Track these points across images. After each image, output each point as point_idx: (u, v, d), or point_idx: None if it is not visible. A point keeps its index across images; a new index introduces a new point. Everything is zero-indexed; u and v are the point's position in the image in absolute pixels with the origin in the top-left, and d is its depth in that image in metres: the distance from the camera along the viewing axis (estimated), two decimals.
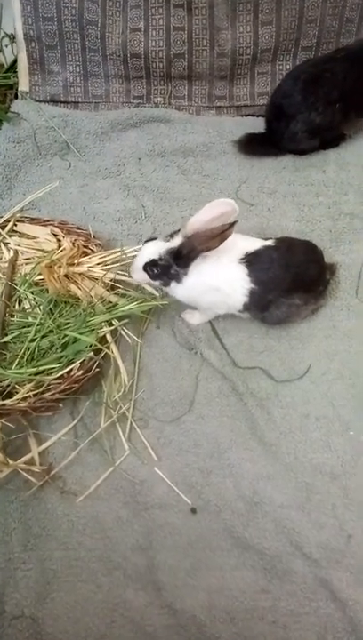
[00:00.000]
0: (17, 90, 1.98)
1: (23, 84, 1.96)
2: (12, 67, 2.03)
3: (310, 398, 1.45)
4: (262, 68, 1.93)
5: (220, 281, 1.36)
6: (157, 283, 1.39)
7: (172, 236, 1.34)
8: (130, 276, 1.43)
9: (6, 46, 2.12)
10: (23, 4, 1.86)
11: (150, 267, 1.34)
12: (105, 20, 1.84)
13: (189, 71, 1.91)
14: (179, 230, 1.32)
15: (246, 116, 1.94)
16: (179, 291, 1.39)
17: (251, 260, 1.36)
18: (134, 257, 1.41)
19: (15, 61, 2.01)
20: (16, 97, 1.98)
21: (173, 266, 1.33)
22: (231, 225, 1.23)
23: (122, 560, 1.28)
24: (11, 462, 1.31)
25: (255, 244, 1.39)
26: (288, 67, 1.93)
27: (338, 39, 1.90)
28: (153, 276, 1.36)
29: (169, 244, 1.32)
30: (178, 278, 1.36)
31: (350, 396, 1.45)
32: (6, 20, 2.12)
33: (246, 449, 1.39)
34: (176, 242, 1.31)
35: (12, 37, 2.07)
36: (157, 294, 1.46)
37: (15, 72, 1.99)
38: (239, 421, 1.42)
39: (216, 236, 1.25)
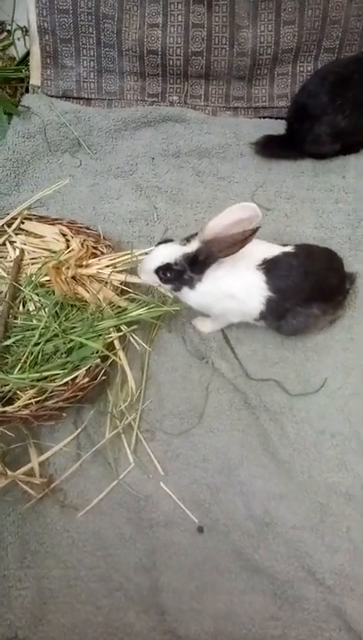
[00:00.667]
0: (28, 83, 1.92)
1: (35, 78, 1.91)
2: (24, 60, 1.98)
3: (325, 413, 1.38)
4: (283, 68, 1.87)
5: (236, 288, 1.30)
6: (167, 287, 1.33)
7: (188, 239, 1.28)
8: (138, 277, 1.36)
9: (19, 39, 2.07)
10: None
11: (163, 271, 1.28)
12: (122, 14, 1.79)
13: (206, 70, 1.85)
14: (196, 234, 1.26)
15: (264, 118, 1.88)
16: (191, 297, 1.33)
17: (269, 267, 1.29)
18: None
19: (27, 54, 1.95)
20: (27, 91, 1.92)
21: (187, 271, 1.27)
22: (254, 231, 1.17)
23: (124, 580, 1.21)
24: (9, 473, 1.25)
25: (274, 249, 1.34)
26: (309, 68, 1.86)
27: (361, 41, 1.85)
28: (165, 280, 1.30)
29: (185, 248, 1.26)
30: (191, 284, 1.30)
31: None
32: (20, 11, 2.07)
33: (258, 466, 1.33)
34: (193, 246, 1.25)
35: (25, 30, 2.02)
36: (171, 296, 1.40)
37: (27, 65, 1.94)
38: (251, 436, 1.36)
39: (237, 243, 1.19)
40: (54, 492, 1.28)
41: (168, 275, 1.29)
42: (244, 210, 1.19)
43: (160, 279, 1.30)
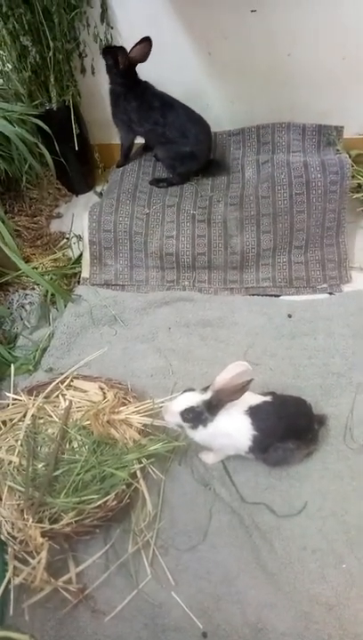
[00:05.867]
0: (80, 277, 2.60)
1: (85, 273, 2.59)
2: (77, 260, 2.70)
3: (306, 532, 1.66)
4: (265, 260, 2.50)
5: (231, 427, 1.69)
6: (186, 425, 1.67)
7: (205, 389, 1.68)
8: (163, 419, 1.70)
9: (74, 244, 2.84)
10: (90, 221, 2.58)
11: (188, 412, 1.64)
12: (148, 230, 2.53)
13: (208, 264, 2.50)
14: (209, 386, 1.67)
15: (253, 295, 2.47)
16: (203, 433, 1.68)
17: (253, 412, 1.69)
18: (163, 405, 1.73)
19: (80, 256, 2.68)
20: (78, 282, 2.60)
21: (204, 413, 1.65)
22: (249, 382, 1.60)
23: None
24: (52, 580, 1.55)
25: (257, 399, 1.75)
26: (284, 259, 2.51)
27: (322, 241, 2.51)
28: (186, 419, 1.65)
29: (203, 395, 1.66)
30: (205, 423, 1.66)
31: (342, 532, 1.66)
32: (75, 224, 2.89)
33: (252, 577, 1.58)
34: (208, 394, 1.65)
35: (79, 237, 2.80)
36: (181, 433, 1.73)
37: (79, 264, 2.64)
38: (246, 551, 1.64)
39: (238, 391, 1.61)
40: (87, 598, 1.56)
41: (191, 415, 1.64)
42: (239, 367, 1.62)
43: (182, 419, 1.65)
